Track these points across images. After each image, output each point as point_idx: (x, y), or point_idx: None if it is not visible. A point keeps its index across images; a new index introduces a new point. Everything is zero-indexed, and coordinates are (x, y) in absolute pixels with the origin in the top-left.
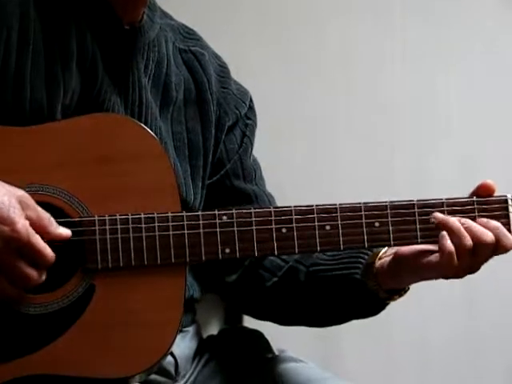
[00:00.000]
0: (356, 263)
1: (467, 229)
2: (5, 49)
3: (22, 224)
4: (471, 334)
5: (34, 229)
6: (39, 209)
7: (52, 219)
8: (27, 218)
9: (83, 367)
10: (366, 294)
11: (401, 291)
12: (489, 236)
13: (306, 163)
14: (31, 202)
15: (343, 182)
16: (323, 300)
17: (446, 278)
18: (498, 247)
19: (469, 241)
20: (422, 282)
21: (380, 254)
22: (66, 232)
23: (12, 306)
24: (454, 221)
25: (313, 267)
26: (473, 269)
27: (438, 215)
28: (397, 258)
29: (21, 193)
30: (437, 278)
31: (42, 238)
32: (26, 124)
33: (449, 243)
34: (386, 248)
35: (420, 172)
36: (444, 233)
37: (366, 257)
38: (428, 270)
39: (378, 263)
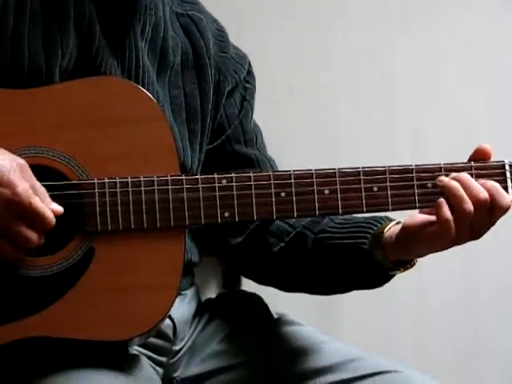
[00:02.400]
0: (364, 233)
1: (461, 182)
2: (2, 11)
3: (23, 187)
4: (470, 298)
5: None
6: (35, 181)
7: (46, 193)
8: None
9: (82, 330)
10: (372, 264)
11: (406, 264)
12: (483, 193)
13: (305, 127)
14: (29, 171)
15: (343, 146)
16: (328, 268)
17: (447, 245)
18: (493, 207)
19: (470, 206)
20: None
21: (390, 224)
22: (58, 208)
23: (12, 268)
24: (456, 185)
25: (320, 234)
26: (474, 234)
27: (442, 178)
28: (404, 230)
29: (20, 161)
30: (440, 247)
31: None
32: (24, 87)
33: (444, 211)
34: (396, 220)
35: (419, 134)
36: (440, 200)
37: (375, 227)
38: (431, 241)
39: (386, 234)
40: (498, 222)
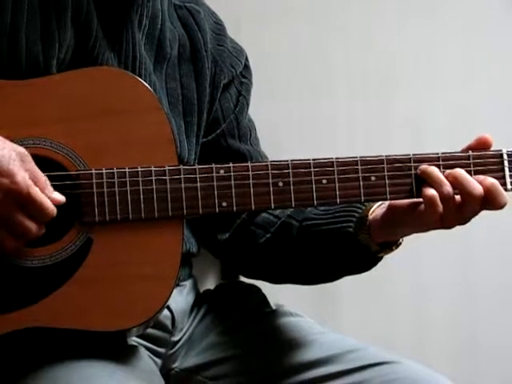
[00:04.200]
0: (349, 217)
1: (455, 179)
2: (0, 3)
3: (22, 176)
4: (469, 290)
5: None
6: (37, 169)
7: (48, 182)
8: None
9: (81, 320)
10: (359, 247)
11: (392, 245)
12: (477, 189)
13: (302, 118)
14: (30, 160)
15: (341, 136)
16: (315, 255)
17: (434, 227)
18: (488, 202)
19: (448, 188)
20: (419, 237)
21: (374, 207)
22: (59, 197)
23: (10, 258)
24: (434, 169)
25: (305, 222)
26: (461, 220)
27: (421, 166)
28: (390, 209)
29: (21, 149)
30: (427, 228)
31: None
32: (21, 78)
33: (428, 190)
34: (379, 203)
35: (418, 124)
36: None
37: (360, 210)
38: (417, 221)
39: (371, 216)
40: (497, 216)
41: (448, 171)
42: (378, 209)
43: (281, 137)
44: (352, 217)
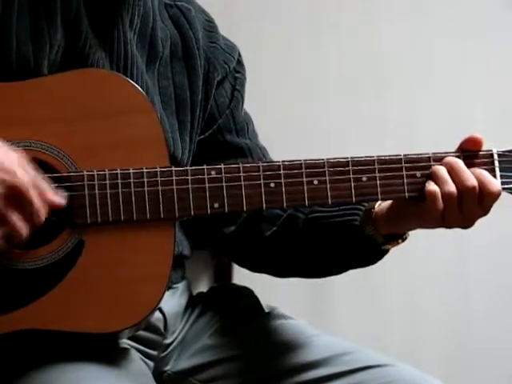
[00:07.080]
0: (355, 209)
1: (451, 167)
2: None
3: (22, 173)
4: (462, 293)
5: None
6: (37, 173)
7: (49, 184)
8: None
9: (72, 322)
10: (364, 240)
11: (398, 238)
12: (471, 180)
13: (294, 118)
14: (29, 165)
15: (333, 137)
16: (321, 247)
17: (437, 225)
18: (483, 193)
19: (450, 187)
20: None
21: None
22: (60, 201)
23: (0, 260)
24: (440, 168)
25: (311, 214)
26: (463, 219)
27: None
28: (395, 202)
29: (20, 154)
30: (430, 225)
31: None
32: (12, 79)
33: (431, 185)
34: None
35: (409, 124)
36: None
37: (366, 204)
38: (420, 216)
39: (377, 208)
40: (491, 217)
41: (445, 159)
42: (384, 201)
43: (273, 138)
44: (358, 210)
